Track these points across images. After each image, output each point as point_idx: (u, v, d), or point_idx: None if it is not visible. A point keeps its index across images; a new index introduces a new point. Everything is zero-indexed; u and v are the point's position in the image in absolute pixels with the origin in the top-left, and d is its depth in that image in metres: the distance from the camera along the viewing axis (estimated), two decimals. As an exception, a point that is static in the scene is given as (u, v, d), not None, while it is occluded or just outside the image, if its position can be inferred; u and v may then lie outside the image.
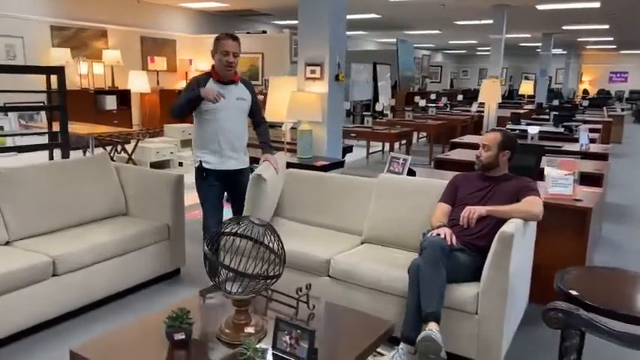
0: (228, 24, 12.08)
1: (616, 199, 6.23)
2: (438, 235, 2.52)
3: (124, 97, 9.59)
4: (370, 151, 8.76)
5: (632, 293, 2.23)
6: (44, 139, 5.11)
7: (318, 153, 4.47)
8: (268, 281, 1.85)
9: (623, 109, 13.30)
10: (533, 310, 2.85)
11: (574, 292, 2.09)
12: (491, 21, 10.40)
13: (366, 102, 12.70)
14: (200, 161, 3.06)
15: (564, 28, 13.34)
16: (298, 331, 1.73)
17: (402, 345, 2.43)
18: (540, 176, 3.40)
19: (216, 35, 3.01)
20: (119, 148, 7.38)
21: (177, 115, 2.98)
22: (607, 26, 12.71)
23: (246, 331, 1.88)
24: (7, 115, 8.09)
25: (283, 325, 1.77)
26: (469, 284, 2.48)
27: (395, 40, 15.01)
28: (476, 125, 9.88)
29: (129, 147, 7.10)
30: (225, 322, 1.92)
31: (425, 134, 10.35)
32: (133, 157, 7.04)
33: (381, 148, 9.03)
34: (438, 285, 2.37)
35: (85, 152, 6.89)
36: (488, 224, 2.60)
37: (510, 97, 19.03)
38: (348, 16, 12.99)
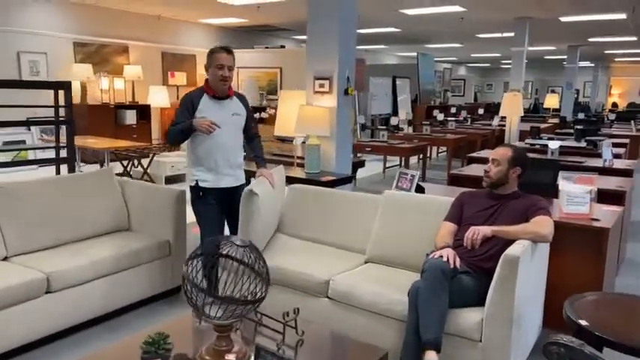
0: (248, 39, 12.19)
1: (642, 217, 5.94)
2: (441, 256, 2.38)
3: (144, 111, 9.70)
4: (387, 165, 8.63)
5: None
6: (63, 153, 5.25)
7: (326, 168, 4.38)
8: (250, 306, 1.75)
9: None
10: (546, 336, 2.67)
11: (583, 323, 1.93)
12: (512, 34, 10.20)
13: (386, 116, 12.59)
14: (196, 180, 2.99)
15: (590, 40, 13.02)
16: (278, 360, 1.63)
17: (401, 373, 2.30)
18: (556, 193, 3.23)
19: (210, 48, 2.95)
20: (136, 162, 7.45)
21: (173, 143, 2.93)
22: (635, 38, 12.35)
23: (226, 358, 1.78)
24: (29, 129, 8.28)
25: (263, 354, 1.66)
26: (473, 309, 2.34)
27: (415, 54, 14.91)
28: (497, 140, 9.64)
29: (146, 161, 7.15)
30: (206, 348, 1.83)
31: (445, 149, 10.15)
32: (148, 171, 7.08)
33: (398, 163, 8.88)
34: (438, 310, 2.23)
35: (102, 166, 6.96)
36: (495, 245, 2.46)
37: (536, 110, 18.65)
38: (367, 31, 12.90)
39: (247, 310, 1.77)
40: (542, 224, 2.43)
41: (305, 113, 4.23)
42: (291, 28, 12.18)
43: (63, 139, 4.22)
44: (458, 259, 2.40)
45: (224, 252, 1.77)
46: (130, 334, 2.68)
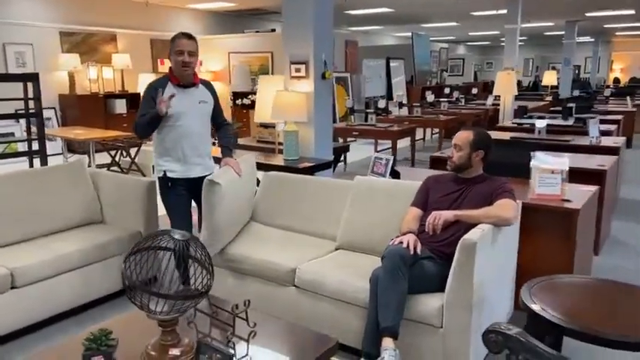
0: (238, 23, 12.05)
1: (633, 195, 5.87)
2: (401, 243, 2.35)
3: (134, 100, 9.63)
4: (379, 148, 8.56)
5: (607, 309, 2.01)
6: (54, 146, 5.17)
7: (306, 154, 4.33)
8: (191, 301, 1.72)
9: (652, 98, 12.61)
10: (519, 318, 2.65)
11: (536, 308, 1.90)
12: (505, 11, 10.03)
13: (381, 98, 12.46)
14: (164, 171, 2.95)
15: (587, 15, 12.78)
16: (218, 355, 1.61)
17: (362, 361, 2.28)
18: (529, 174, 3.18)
19: (172, 36, 2.90)
20: (125, 152, 7.42)
21: (142, 135, 2.88)
22: (633, 11, 12.11)
23: (171, 353, 1.76)
24: (18, 122, 8.25)
25: (204, 348, 1.64)
26: (434, 295, 2.31)
27: (410, 34, 14.70)
28: (491, 119, 9.55)
29: (134, 151, 7.12)
30: (153, 343, 1.81)
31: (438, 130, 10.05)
32: (136, 160, 7.05)
33: (390, 146, 8.82)
34: (396, 297, 2.20)
35: (90, 157, 6.93)
36: (459, 230, 2.41)
37: (535, 88, 18.42)
38: (359, 12, 12.73)
39: (190, 305, 1.74)
40: (505, 207, 2.39)
41: (281, 99, 4.17)
42: (281, 11, 12.00)
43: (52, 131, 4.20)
44: (419, 245, 2.36)
45: (163, 245, 1.73)
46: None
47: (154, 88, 2.86)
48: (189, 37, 2.86)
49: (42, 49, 8.63)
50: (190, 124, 2.91)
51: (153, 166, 3.26)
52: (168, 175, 2.97)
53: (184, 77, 2.89)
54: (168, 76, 2.92)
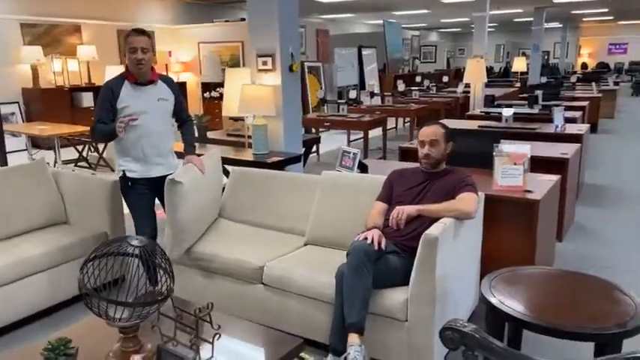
0: (208, 12, 11.85)
1: (597, 180, 6.03)
2: (365, 238, 2.37)
3: (101, 93, 9.42)
4: (351, 138, 8.58)
5: (565, 300, 2.07)
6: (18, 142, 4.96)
7: (275, 148, 4.31)
8: (151, 307, 1.71)
9: (617, 83, 12.93)
10: (484, 309, 2.71)
11: (493, 300, 1.94)
12: (475, -2, 10.09)
13: (354, 87, 12.45)
14: (123, 171, 2.90)
15: (555, 1, 12.97)
16: (179, 360, 1.60)
17: (330, 357, 2.30)
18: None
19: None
20: (92, 147, 7.26)
21: (99, 142, 2.84)
22: (598, -3, 12.35)
23: (132, 359, 1.75)
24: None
25: (165, 354, 1.63)
26: (398, 289, 2.34)
27: (382, 22, 14.69)
28: (462, 107, 9.64)
29: (102, 145, 6.97)
30: (114, 350, 1.79)
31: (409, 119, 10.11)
32: (104, 155, 6.91)
33: (362, 136, 8.85)
34: (361, 293, 2.22)
35: (55, 152, 6.76)
36: (422, 224, 2.43)
37: (506, 74, 18.66)
38: (330, 0, 12.57)
39: (150, 311, 1.73)
40: (467, 201, 2.43)
41: (248, 93, 4.13)
42: (252, 0, 11.84)
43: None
44: (384, 240, 2.39)
45: (123, 251, 1.71)
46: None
47: (109, 89, 2.81)
48: (142, 32, 2.81)
49: (2, 42, 8.36)
50: (149, 123, 2.86)
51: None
52: (128, 175, 2.92)
53: (141, 75, 2.83)
54: (125, 74, 2.85)
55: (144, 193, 2.94)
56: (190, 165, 2.93)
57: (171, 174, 2.85)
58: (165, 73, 3.81)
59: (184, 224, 2.80)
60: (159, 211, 3.09)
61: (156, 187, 2.95)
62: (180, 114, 3.09)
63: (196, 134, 3.26)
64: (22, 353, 2.02)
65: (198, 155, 3.11)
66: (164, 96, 2.93)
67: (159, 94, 2.91)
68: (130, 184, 2.91)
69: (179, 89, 3.13)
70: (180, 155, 3.20)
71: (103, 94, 2.82)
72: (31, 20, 8.76)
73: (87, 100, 9.19)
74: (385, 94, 9.28)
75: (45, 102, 8.59)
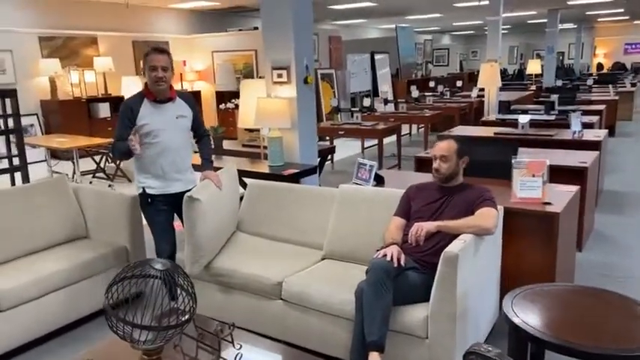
0: (221, 22, 11.95)
1: (616, 186, 5.94)
2: (385, 255, 2.36)
3: (117, 104, 9.51)
4: (366, 145, 8.57)
5: (587, 320, 2.04)
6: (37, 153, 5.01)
7: (291, 159, 4.33)
8: (173, 330, 1.73)
9: (635, 84, 12.73)
10: (504, 323, 2.69)
11: (517, 320, 1.92)
12: (487, 1, 10.03)
13: (367, 93, 12.45)
14: (143, 187, 2.94)
15: (570, 3, 12.85)
16: (202, 383, 1.62)
17: (350, 374, 2.30)
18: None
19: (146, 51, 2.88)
20: (109, 158, 7.35)
21: (120, 160, 2.88)
22: (614, -2, 12.20)
23: (156, 380, 1.77)
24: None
25: (188, 377, 1.65)
26: (419, 306, 2.33)
27: (394, 26, 14.68)
28: (476, 112, 9.58)
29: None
30: (138, 370, 1.81)
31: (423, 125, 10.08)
32: (121, 166, 7.00)
33: (377, 142, 8.84)
34: (381, 312, 2.22)
35: (74, 164, 6.85)
36: (442, 239, 2.43)
37: (520, 77, 18.46)
38: (342, 6, 12.64)
39: (174, 333, 1.75)
40: (486, 217, 2.41)
41: (263, 106, 4.15)
42: (265, 8, 11.91)
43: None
44: (403, 257, 2.38)
45: (145, 273, 1.73)
46: (86, 348, 2.66)
47: (129, 107, 2.84)
48: (162, 51, 2.85)
49: (21, 55, 8.52)
50: (168, 140, 2.90)
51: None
52: (148, 191, 2.96)
53: (160, 92, 2.87)
54: (144, 92, 2.89)
55: (162, 210, 2.97)
56: (208, 181, 2.96)
57: (189, 190, 2.88)
58: (180, 86, 3.86)
59: (203, 240, 2.83)
60: (177, 223, 3.12)
61: (174, 202, 2.98)
62: (197, 129, 3.12)
63: (212, 146, 3.27)
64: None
65: (216, 170, 3.14)
66: (182, 113, 2.97)
67: (177, 112, 2.94)
68: (149, 200, 2.94)
69: (196, 105, 3.17)
70: (197, 168, 3.24)
71: (122, 112, 2.87)
72: (48, 33, 8.92)
73: (104, 110, 9.33)
74: (399, 100, 9.25)
75: (63, 113, 8.74)
